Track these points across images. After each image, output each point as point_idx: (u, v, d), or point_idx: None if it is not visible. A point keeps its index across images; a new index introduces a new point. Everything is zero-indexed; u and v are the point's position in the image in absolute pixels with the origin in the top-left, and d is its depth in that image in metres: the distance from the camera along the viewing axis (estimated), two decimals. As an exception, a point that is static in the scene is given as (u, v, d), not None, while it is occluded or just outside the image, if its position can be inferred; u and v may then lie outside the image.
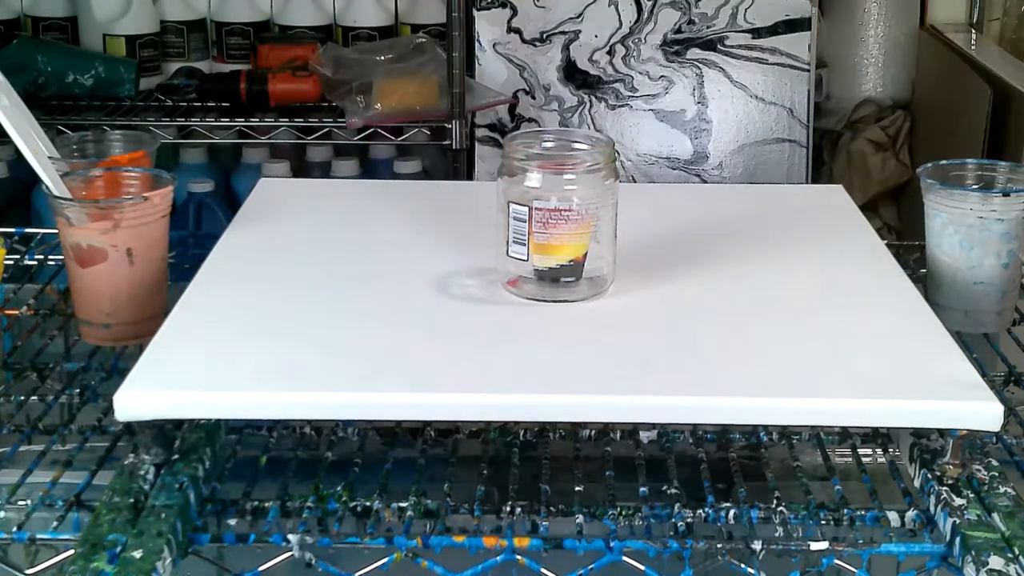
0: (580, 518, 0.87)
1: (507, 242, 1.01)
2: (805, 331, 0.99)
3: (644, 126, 2.27)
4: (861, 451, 0.98)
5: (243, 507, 0.89)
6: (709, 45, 2.26)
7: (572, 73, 2.28)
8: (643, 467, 0.93)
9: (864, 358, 0.95)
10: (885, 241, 1.17)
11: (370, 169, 2.42)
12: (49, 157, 1.08)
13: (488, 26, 2.28)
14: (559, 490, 0.91)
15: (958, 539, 0.83)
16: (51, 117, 2.20)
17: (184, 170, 2.32)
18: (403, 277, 1.07)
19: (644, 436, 0.98)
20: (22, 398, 1.05)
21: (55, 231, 1.10)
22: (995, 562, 0.80)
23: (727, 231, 1.18)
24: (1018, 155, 1.99)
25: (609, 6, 2.26)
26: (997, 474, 0.90)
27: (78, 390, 1.05)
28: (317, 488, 0.90)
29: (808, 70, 2.26)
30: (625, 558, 0.84)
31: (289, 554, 0.84)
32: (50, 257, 1.30)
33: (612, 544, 0.84)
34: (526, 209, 1.00)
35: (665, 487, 0.91)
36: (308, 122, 2.27)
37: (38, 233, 1.35)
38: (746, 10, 2.25)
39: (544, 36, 2.28)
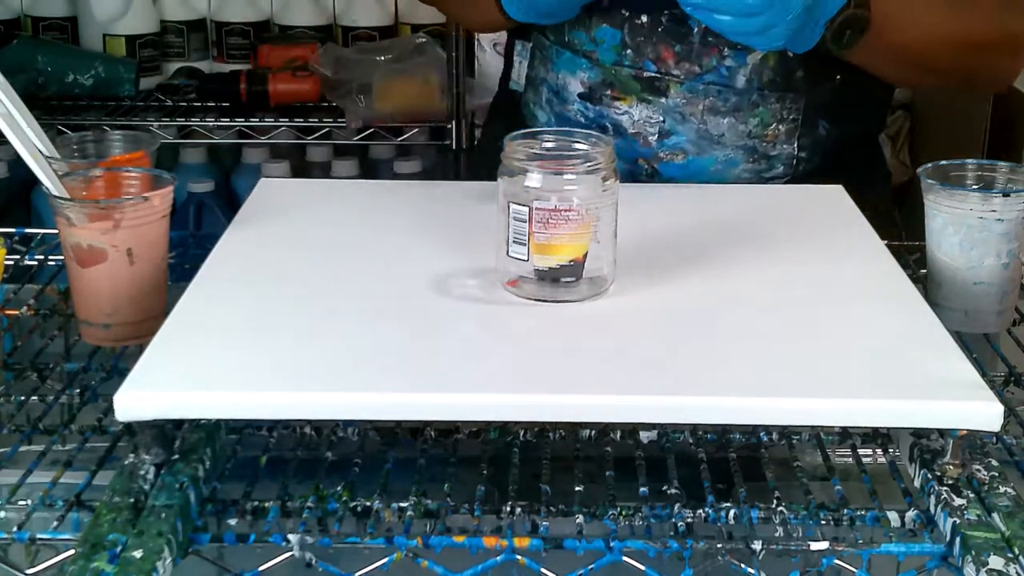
0: (580, 518, 0.87)
1: (507, 242, 1.01)
2: (805, 331, 0.99)
3: (644, 126, 2.26)
4: (861, 451, 0.98)
5: (243, 507, 0.89)
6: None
7: (572, 73, 2.27)
8: (643, 467, 0.93)
9: (864, 358, 0.95)
10: (885, 241, 1.17)
11: (370, 169, 2.43)
12: (49, 157, 1.08)
13: (488, 26, 2.27)
14: (559, 490, 0.91)
15: (958, 539, 0.83)
16: (51, 117, 2.20)
17: (184, 170, 2.32)
18: (403, 277, 1.07)
19: (644, 436, 0.98)
20: (22, 398, 1.05)
21: (55, 231, 1.10)
22: (995, 562, 0.80)
23: (727, 231, 1.18)
24: (1018, 155, 1.99)
25: (609, 6, 2.26)
26: (997, 474, 0.90)
27: (78, 390, 1.05)
28: (317, 488, 0.90)
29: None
30: (625, 558, 0.84)
31: (289, 554, 0.84)
32: (50, 257, 1.29)
33: (612, 544, 0.83)
34: (526, 209, 1.00)
35: (665, 487, 0.90)
36: (308, 122, 2.27)
37: (38, 233, 1.34)
38: (746, 10, 2.24)
39: (544, 36, 2.27)
